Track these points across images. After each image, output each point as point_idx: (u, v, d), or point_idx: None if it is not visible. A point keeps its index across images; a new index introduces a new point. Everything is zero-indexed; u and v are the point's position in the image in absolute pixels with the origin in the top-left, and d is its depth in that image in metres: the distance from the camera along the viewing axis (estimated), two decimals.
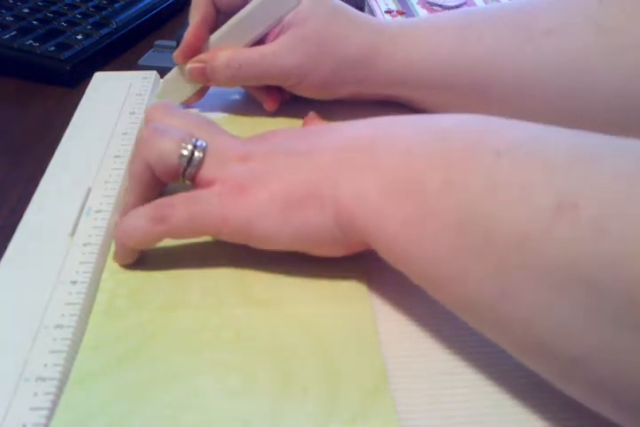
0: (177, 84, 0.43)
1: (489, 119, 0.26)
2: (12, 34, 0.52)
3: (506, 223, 0.21)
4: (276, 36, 0.40)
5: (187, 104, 0.44)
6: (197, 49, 0.41)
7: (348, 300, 0.29)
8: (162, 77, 0.47)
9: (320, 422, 0.24)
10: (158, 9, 0.61)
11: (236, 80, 0.41)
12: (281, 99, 0.44)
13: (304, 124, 0.37)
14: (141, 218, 0.29)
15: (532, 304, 0.21)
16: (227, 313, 0.28)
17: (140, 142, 0.30)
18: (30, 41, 0.51)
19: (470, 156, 0.23)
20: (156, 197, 0.30)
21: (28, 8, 0.56)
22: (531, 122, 0.24)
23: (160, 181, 0.31)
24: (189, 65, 0.41)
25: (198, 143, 0.29)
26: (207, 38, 0.41)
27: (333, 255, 0.29)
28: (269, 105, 0.44)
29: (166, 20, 0.62)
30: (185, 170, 0.29)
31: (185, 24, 0.41)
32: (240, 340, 0.27)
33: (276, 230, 0.27)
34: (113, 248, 0.31)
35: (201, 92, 0.43)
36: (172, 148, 0.29)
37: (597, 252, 0.19)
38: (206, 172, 0.29)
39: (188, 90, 0.43)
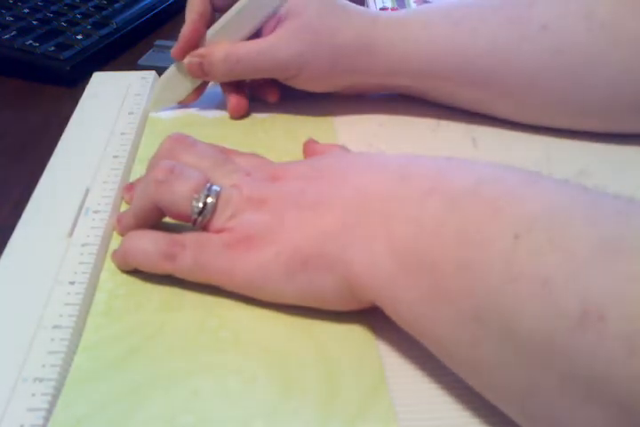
0: (174, 82, 0.42)
1: (503, 179, 0.24)
2: (12, 34, 0.52)
3: (528, 320, 0.20)
4: (273, 29, 0.40)
5: (184, 104, 0.44)
6: (195, 45, 0.41)
7: None
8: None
9: (319, 423, 0.24)
10: (158, 9, 0.60)
11: (233, 74, 0.41)
12: (279, 90, 0.44)
13: (304, 151, 0.36)
14: (152, 247, 0.28)
15: (560, 408, 0.19)
16: (225, 314, 0.28)
17: (153, 182, 0.29)
18: (30, 41, 0.51)
19: (486, 236, 0.22)
20: (159, 220, 0.30)
21: (28, 8, 0.56)
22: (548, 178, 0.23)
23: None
24: (187, 60, 0.41)
25: (212, 188, 0.28)
26: (204, 34, 0.41)
27: (340, 310, 0.28)
28: (271, 97, 0.44)
29: (166, 20, 0.62)
30: (196, 220, 0.28)
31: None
32: (238, 341, 0.27)
33: (281, 289, 0.27)
34: (111, 249, 0.31)
35: (198, 92, 0.43)
36: (184, 197, 0.28)
37: (629, 373, 0.17)
38: (217, 221, 0.28)
39: (186, 88, 0.43)
